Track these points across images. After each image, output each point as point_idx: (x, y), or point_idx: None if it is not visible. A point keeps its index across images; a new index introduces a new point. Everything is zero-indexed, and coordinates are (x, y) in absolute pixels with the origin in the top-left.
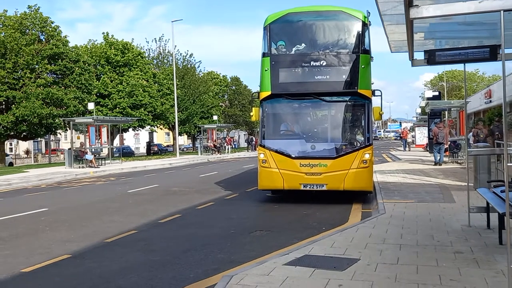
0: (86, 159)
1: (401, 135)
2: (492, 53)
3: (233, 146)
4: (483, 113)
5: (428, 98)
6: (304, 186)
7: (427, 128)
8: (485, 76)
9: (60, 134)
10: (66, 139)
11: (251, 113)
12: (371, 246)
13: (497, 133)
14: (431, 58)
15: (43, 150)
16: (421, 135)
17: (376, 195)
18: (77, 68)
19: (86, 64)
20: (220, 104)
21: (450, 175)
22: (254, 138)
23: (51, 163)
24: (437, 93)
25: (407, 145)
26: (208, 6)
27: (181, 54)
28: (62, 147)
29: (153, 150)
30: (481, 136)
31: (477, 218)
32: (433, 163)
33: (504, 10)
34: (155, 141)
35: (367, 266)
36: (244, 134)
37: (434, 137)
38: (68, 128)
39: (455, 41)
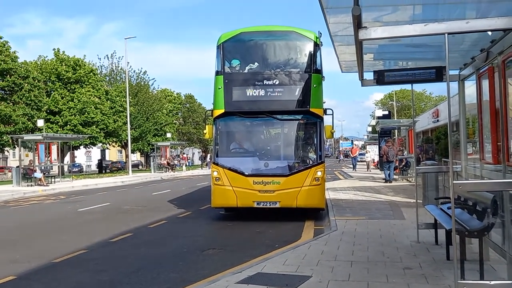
0: (35, 177)
1: (351, 153)
2: (438, 75)
3: (187, 164)
4: (431, 132)
5: (379, 117)
6: (257, 204)
7: (377, 146)
8: (432, 96)
9: (8, 151)
10: (14, 157)
11: (205, 131)
12: (323, 263)
13: (430, 151)
14: (380, 78)
15: None
16: (372, 153)
17: (328, 212)
18: (26, 85)
19: (36, 81)
20: (174, 121)
21: (400, 192)
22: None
23: None
24: (387, 112)
25: (366, 165)
26: (161, 24)
27: (134, 71)
28: (10, 165)
29: (115, 167)
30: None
31: (425, 234)
32: (384, 181)
33: (448, 33)
34: (107, 159)
35: (319, 283)
36: (198, 152)
37: (384, 155)
38: (16, 146)
39: (403, 62)
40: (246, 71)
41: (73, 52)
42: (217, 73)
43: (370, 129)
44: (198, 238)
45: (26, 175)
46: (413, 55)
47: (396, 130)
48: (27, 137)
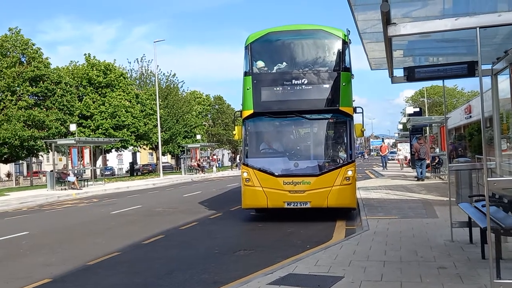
0: (69, 181)
1: (380, 152)
2: (470, 70)
3: (217, 165)
4: (464, 128)
5: (409, 114)
6: (288, 204)
7: (409, 144)
8: (464, 91)
9: (42, 156)
10: (48, 161)
11: (234, 132)
12: (355, 263)
13: (460, 148)
14: (411, 75)
15: (25, 173)
16: (404, 151)
17: (359, 212)
18: (58, 90)
19: (68, 86)
20: (203, 123)
21: (432, 190)
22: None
23: (33, 186)
24: (418, 109)
25: (400, 164)
26: (190, 27)
27: (164, 74)
28: (44, 169)
29: (146, 170)
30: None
31: (459, 233)
32: (416, 179)
33: (480, 27)
34: (138, 161)
35: (351, 283)
36: (228, 153)
37: (416, 153)
38: (50, 150)
39: (434, 58)
40: (274, 71)
41: (103, 57)
42: (246, 73)
43: (401, 126)
44: (229, 239)
45: (60, 179)
46: (444, 51)
47: (427, 127)
48: (60, 141)
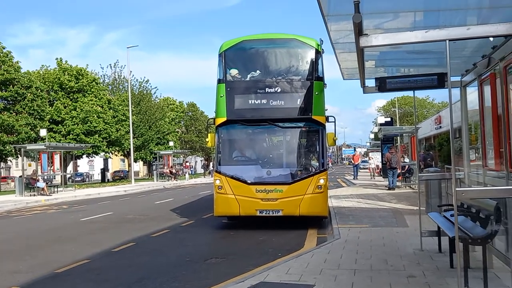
0: (38, 187)
1: (352, 161)
2: (439, 81)
3: (190, 172)
4: (434, 139)
5: (381, 124)
6: (260, 212)
7: (380, 153)
8: (434, 102)
9: (11, 161)
10: (17, 167)
11: (207, 139)
12: (326, 271)
13: (429, 159)
14: (382, 85)
15: None
16: (375, 160)
17: (331, 220)
18: (29, 94)
19: (39, 90)
20: (176, 130)
21: (403, 199)
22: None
23: (1, 191)
24: (389, 119)
25: (370, 173)
26: (163, 33)
27: (137, 80)
28: (13, 175)
29: (118, 176)
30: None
31: (429, 242)
32: (387, 188)
33: (450, 40)
34: (110, 168)
35: None
36: (201, 160)
37: (387, 162)
38: (19, 155)
39: (405, 69)
40: (248, 79)
41: (76, 61)
42: (219, 81)
43: (372, 136)
44: (201, 247)
45: (29, 184)
46: (415, 62)
47: (398, 137)
48: (30, 146)
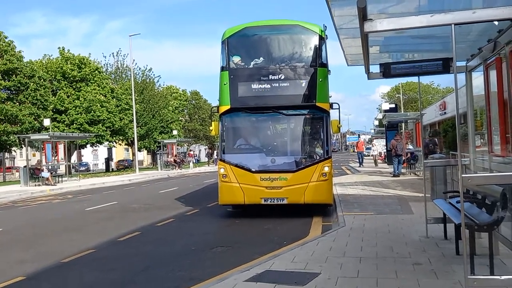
0: (43, 177)
1: (356, 148)
2: (445, 66)
3: (194, 161)
4: (438, 125)
5: (385, 111)
6: (265, 201)
7: (384, 140)
8: (439, 88)
9: (15, 151)
10: (21, 157)
11: (211, 128)
12: (332, 259)
13: (431, 145)
14: (386, 71)
15: None
16: (379, 147)
17: (336, 208)
18: (32, 84)
19: (42, 80)
20: (180, 118)
21: (408, 186)
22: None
23: (5, 182)
24: (393, 106)
25: (374, 160)
26: (165, 22)
27: (140, 68)
28: (18, 165)
29: (122, 165)
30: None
31: (434, 229)
32: (391, 175)
33: (455, 24)
34: (114, 157)
35: (328, 280)
36: (205, 149)
37: (393, 149)
38: (23, 145)
39: (410, 54)
40: (251, 66)
41: (78, 50)
42: (222, 68)
43: (377, 122)
44: (206, 236)
45: (34, 174)
46: (420, 47)
47: (403, 124)
48: (33, 136)
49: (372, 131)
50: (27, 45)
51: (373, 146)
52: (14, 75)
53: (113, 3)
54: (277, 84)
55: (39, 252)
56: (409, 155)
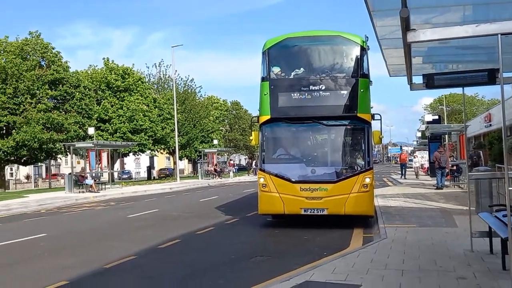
0: (86, 184)
1: (399, 160)
2: (490, 77)
3: (234, 171)
4: (483, 137)
5: (428, 122)
6: (304, 211)
7: (427, 152)
8: (484, 99)
9: (61, 159)
10: (66, 164)
11: (251, 137)
12: (373, 271)
13: (475, 157)
14: (430, 82)
15: (44, 175)
16: (420, 159)
17: (377, 220)
18: (77, 93)
19: (87, 89)
20: (221, 128)
21: (451, 199)
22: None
23: (51, 188)
24: (437, 117)
25: (415, 172)
26: (206, 32)
27: (181, 79)
28: (63, 172)
29: (163, 174)
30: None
31: (479, 243)
32: (435, 187)
33: (502, 34)
34: (156, 166)
35: None
36: (245, 158)
37: (436, 161)
38: (68, 153)
39: (453, 65)
40: (292, 76)
41: (122, 61)
42: (263, 79)
43: (419, 134)
44: (246, 245)
45: (78, 181)
46: (464, 58)
47: (446, 135)
48: (78, 144)
49: (415, 142)
50: (73, 57)
51: (414, 158)
52: (60, 85)
53: (154, 15)
54: (318, 95)
55: (82, 257)
56: (455, 166)
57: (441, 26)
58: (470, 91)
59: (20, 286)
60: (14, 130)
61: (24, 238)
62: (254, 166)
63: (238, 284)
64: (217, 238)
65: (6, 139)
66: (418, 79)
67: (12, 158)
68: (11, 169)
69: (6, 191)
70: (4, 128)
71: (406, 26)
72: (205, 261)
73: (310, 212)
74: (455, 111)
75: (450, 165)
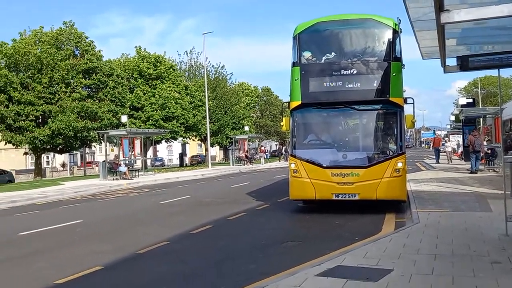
0: (120, 171)
1: (433, 144)
2: None
3: (265, 157)
4: None
5: (462, 105)
6: (336, 196)
7: (461, 135)
8: None
9: (95, 147)
10: (100, 152)
11: (282, 123)
12: (405, 256)
13: (509, 141)
14: (464, 64)
15: (79, 163)
16: (453, 143)
17: (410, 204)
18: (110, 82)
19: (120, 78)
20: (251, 114)
21: (486, 183)
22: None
23: (86, 176)
24: (471, 100)
25: (447, 156)
26: (237, 19)
27: (212, 66)
28: (97, 160)
29: (195, 161)
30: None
31: None
32: (468, 171)
33: None
34: (188, 152)
35: (401, 277)
36: (276, 144)
37: (471, 145)
38: (102, 141)
39: (489, 46)
40: (323, 61)
41: (154, 49)
42: (294, 64)
43: (453, 118)
44: (277, 231)
45: (112, 169)
46: (500, 38)
47: (481, 119)
48: (112, 132)
49: (448, 126)
50: (106, 45)
51: (446, 142)
52: (94, 74)
53: (185, 2)
54: (349, 79)
55: (116, 243)
56: (490, 150)
57: (476, 6)
58: (506, 73)
59: (58, 270)
60: (49, 119)
61: (61, 225)
62: (285, 152)
63: (269, 269)
64: (248, 224)
65: (42, 128)
66: (452, 62)
67: (48, 146)
68: (47, 158)
69: (43, 179)
70: (40, 117)
71: (439, 7)
72: (236, 246)
73: (342, 197)
74: (490, 93)
75: (485, 149)
